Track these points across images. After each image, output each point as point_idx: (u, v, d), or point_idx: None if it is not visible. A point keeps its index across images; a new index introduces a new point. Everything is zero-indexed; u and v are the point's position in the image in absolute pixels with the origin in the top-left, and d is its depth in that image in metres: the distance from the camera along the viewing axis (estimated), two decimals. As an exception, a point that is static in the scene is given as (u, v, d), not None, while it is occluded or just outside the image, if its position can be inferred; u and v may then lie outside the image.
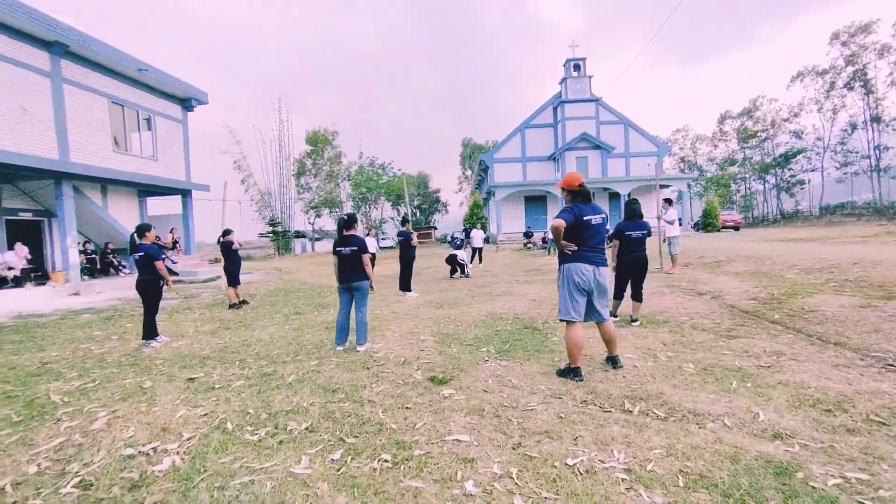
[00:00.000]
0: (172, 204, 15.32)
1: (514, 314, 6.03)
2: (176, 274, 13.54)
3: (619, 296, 5.35)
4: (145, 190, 14.00)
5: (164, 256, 5.94)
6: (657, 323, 5.07)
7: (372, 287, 4.89)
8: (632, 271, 5.17)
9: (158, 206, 15.65)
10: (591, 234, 3.32)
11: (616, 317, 5.36)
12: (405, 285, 8.58)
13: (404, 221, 8.68)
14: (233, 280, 8.01)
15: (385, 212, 53.98)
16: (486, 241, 20.22)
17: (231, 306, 7.94)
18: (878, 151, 35.24)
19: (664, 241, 9.58)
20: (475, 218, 29.35)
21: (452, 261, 11.32)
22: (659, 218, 9.35)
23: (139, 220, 13.88)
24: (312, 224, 44.30)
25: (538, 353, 4.14)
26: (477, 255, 14.30)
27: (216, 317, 7.17)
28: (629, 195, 27.61)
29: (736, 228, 27.33)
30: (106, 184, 12.42)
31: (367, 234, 14.79)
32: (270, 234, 29.43)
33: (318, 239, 46.12)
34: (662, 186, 29.50)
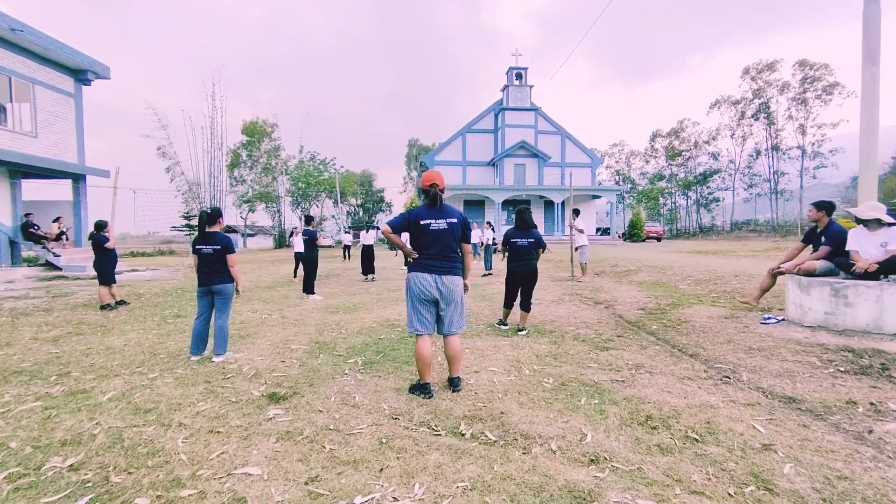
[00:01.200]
0: (62, 189, 13.58)
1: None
2: (58, 268, 12.00)
3: (508, 304, 5.27)
4: (22, 171, 12.27)
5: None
6: (542, 332, 5.02)
7: (237, 291, 4.41)
8: (519, 280, 5.09)
9: (44, 192, 13.82)
10: (430, 240, 3.09)
11: (505, 325, 5.28)
12: (308, 287, 8.07)
13: (308, 220, 8.15)
14: (105, 279, 7.08)
15: (326, 209, 52.23)
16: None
17: (103, 307, 7.01)
18: (776, 176, 39.39)
19: (575, 249, 9.81)
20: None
21: (368, 254, 10.95)
22: (571, 227, 9.56)
23: (10, 204, 12.13)
24: (245, 219, 41.83)
25: (407, 364, 3.89)
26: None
27: (76, 319, 6.26)
28: (563, 203, 28.68)
29: (658, 239, 29.27)
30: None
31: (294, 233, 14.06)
32: (185, 228, 27.11)
33: (251, 235, 43.62)
34: (594, 197, 31.01)
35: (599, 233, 30.24)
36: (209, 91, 38.66)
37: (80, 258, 12.34)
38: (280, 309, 7.03)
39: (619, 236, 29.94)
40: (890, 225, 4.21)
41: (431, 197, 3.12)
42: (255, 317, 6.34)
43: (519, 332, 4.95)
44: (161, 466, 2.21)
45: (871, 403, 2.81)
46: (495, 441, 2.46)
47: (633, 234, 28.41)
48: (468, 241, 3.32)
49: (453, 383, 3.26)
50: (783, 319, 4.83)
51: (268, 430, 2.61)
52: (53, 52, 12.11)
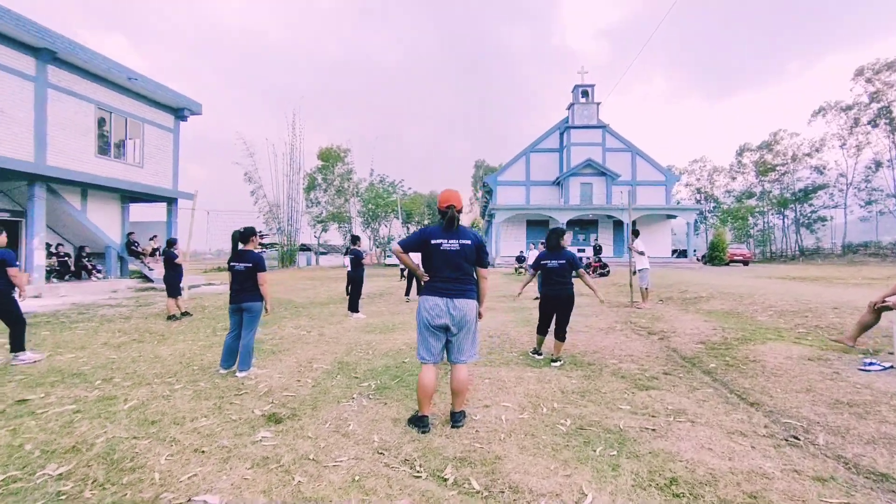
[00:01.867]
0: (158, 211, 15.43)
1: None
2: (150, 280, 13.48)
3: (542, 331, 4.87)
4: (130, 196, 14.14)
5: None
6: (579, 365, 4.53)
7: (266, 309, 4.51)
8: (553, 306, 4.69)
9: (145, 213, 15.78)
10: (441, 261, 2.90)
11: (539, 354, 4.86)
12: (353, 305, 8.19)
13: (354, 240, 8.33)
14: (172, 291, 7.76)
15: (395, 229, 54.21)
16: None
17: (169, 318, 7.67)
18: (903, 190, 33.68)
19: (633, 273, 8.98)
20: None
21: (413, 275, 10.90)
22: (630, 249, 8.80)
23: (120, 225, 13.98)
24: (318, 238, 44.60)
25: (419, 392, 3.67)
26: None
27: (144, 328, 6.89)
28: (633, 223, 26.90)
29: (745, 263, 26.17)
30: (86, 188, 12.54)
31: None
32: (261, 247, 29.38)
33: (323, 253, 46.33)
34: (669, 216, 28.72)
35: (675, 255, 27.77)
36: (290, 121, 42.34)
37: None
38: (322, 326, 7.18)
39: (698, 259, 27.23)
40: None
41: (448, 218, 2.94)
42: (295, 333, 6.51)
43: (552, 364, 4.52)
44: (133, 485, 2.20)
45: None
46: (478, 491, 2.15)
47: (714, 256, 25.67)
48: (484, 265, 3.10)
49: (454, 418, 2.98)
50: (891, 366, 3.89)
51: (249, 453, 2.53)
52: (160, 94, 13.99)
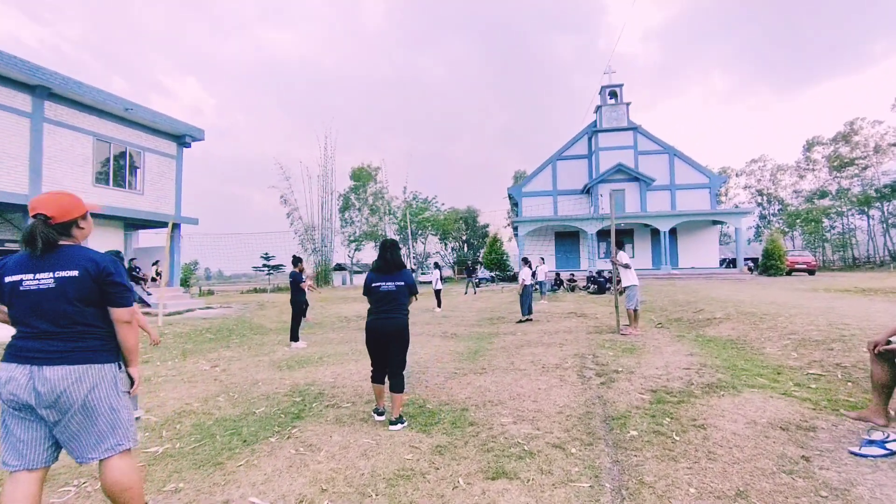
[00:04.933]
0: (163, 237, 15.78)
1: (334, 382, 4.61)
2: (148, 305, 13.65)
3: (377, 377, 3.54)
4: (133, 223, 14.56)
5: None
6: (454, 425, 3.37)
7: (154, 342, 3.85)
8: (383, 342, 3.44)
9: (151, 239, 16.26)
10: (23, 309, 1.82)
11: (380, 414, 3.54)
12: (293, 334, 7.44)
13: (295, 261, 7.59)
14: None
15: (431, 246, 53.95)
16: (443, 280, 17.70)
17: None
18: None
19: (620, 293, 7.49)
20: (493, 254, 27.68)
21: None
22: (614, 263, 7.37)
23: (123, 251, 14.37)
24: (351, 257, 45.15)
25: (237, 451, 2.75)
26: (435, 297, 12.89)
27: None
28: (672, 231, 24.37)
29: (810, 272, 22.66)
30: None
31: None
32: (264, 268, 29.74)
33: (357, 272, 46.83)
34: (716, 223, 25.77)
35: (724, 265, 24.66)
36: (322, 142, 43.48)
37: (166, 297, 13.92)
38: (241, 358, 6.50)
39: (749, 269, 23.99)
40: None
41: (29, 238, 1.81)
42: (192, 368, 5.83)
43: (391, 427, 3.37)
44: None
45: None
46: None
47: (769, 265, 22.44)
48: (120, 303, 1.93)
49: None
50: (900, 448, 2.43)
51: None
52: (159, 123, 14.42)
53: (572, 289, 17.62)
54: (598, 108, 27.11)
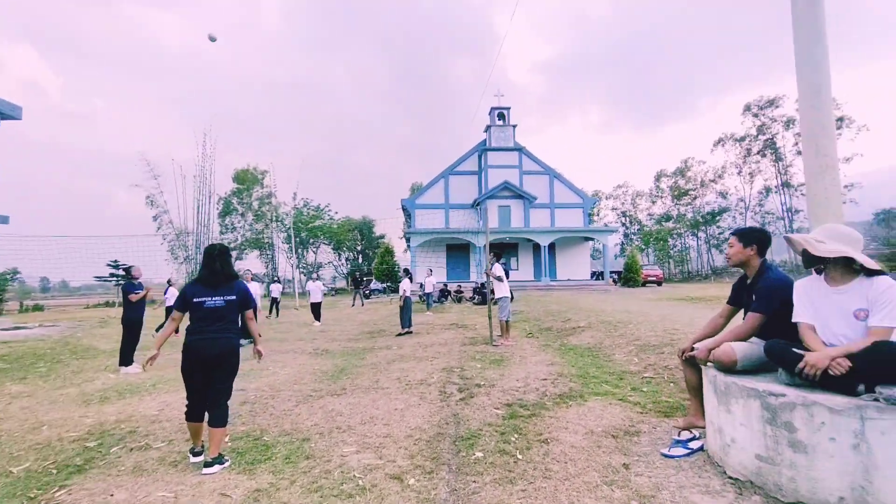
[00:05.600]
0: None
1: (158, 415, 3.75)
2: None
3: (193, 415, 2.94)
4: None
5: None
6: (288, 460, 2.91)
7: None
8: (199, 367, 2.89)
9: None
10: None
11: (198, 454, 2.92)
12: (123, 357, 6.15)
13: (126, 271, 6.34)
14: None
15: (323, 256, 51.19)
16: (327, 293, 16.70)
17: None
18: (790, 214, 36.67)
19: (493, 303, 7.70)
20: (385, 265, 27.36)
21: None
22: (487, 274, 7.53)
23: None
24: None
25: None
26: (311, 309, 12.15)
27: None
28: (551, 246, 26.57)
29: (658, 283, 26.57)
30: None
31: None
32: (112, 277, 25.73)
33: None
34: (588, 239, 28.86)
35: (594, 277, 27.75)
36: (201, 140, 39.04)
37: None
38: (45, 388, 5.13)
39: (614, 281, 27.31)
40: (871, 273, 2.12)
41: None
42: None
43: (205, 470, 2.82)
44: None
45: None
46: None
47: (629, 278, 25.83)
48: None
49: None
50: (701, 448, 2.64)
51: None
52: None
53: (459, 300, 18.01)
54: (488, 127, 28.67)
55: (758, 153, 38.76)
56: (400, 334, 9.06)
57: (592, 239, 28.77)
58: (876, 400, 1.86)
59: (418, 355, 6.65)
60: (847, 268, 2.17)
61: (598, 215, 56.86)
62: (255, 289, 9.18)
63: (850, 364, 1.93)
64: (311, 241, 46.08)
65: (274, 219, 41.76)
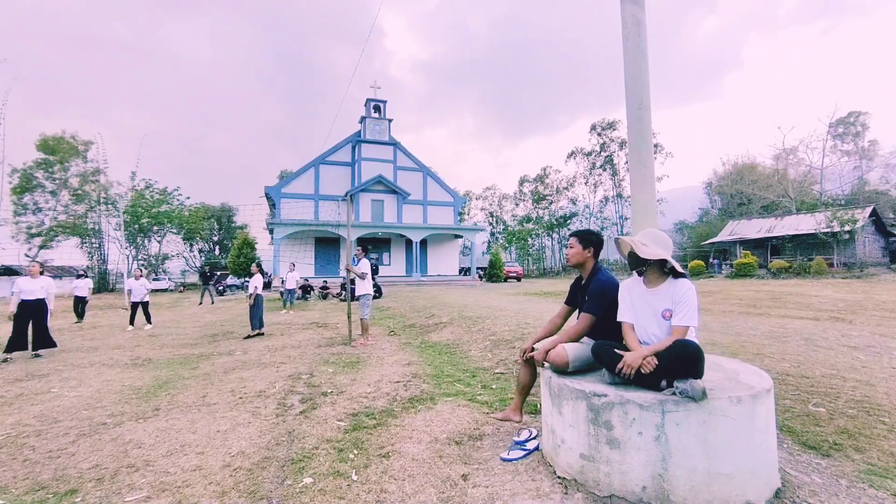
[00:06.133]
0: None
1: None
2: None
3: None
4: None
5: None
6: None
7: None
8: None
9: None
10: None
11: None
12: None
13: None
14: None
15: (171, 247, 43.76)
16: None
17: None
18: (621, 220, 43.85)
19: (354, 299, 7.30)
20: (242, 258, 24.73)
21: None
22: (348, 269, 7.08)
23: None
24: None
25: None
26: (139, 309, 10.28)
27: None
28: (422, 242, 27.02)
29: (518, 279, 29.09)
30: None
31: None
32: None
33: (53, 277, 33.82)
34: (458, 236, 30.12)
35: (462, 273, 29.19)
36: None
37: None
38: None
39: (480, 277, 29.12)
40: (678, 276, 2.34)
41: None
42: None
43: None
44: None
45: None
46: None
47: (492, 274, 27.79)
48: None
49: None
50: (537, 448, 2.68)
51: None
52: None
53: (325, 297, 17.02)
54: (363, 118, 27.81)
55: (600, 167, 45.30)
56: (249, 336, 8.02)
57: (462, 237, 30.14)
58: (673, 394, 2.02)
59: (264, 361, 5.89)
60: (660, 270, 2.36)
61: (468, 214, 60.19)
62: (49, 284, 7.09)
63: (657, 362, 2.07)
64: (156, 228, 38.97)
65: (102, 201, 34.28)
